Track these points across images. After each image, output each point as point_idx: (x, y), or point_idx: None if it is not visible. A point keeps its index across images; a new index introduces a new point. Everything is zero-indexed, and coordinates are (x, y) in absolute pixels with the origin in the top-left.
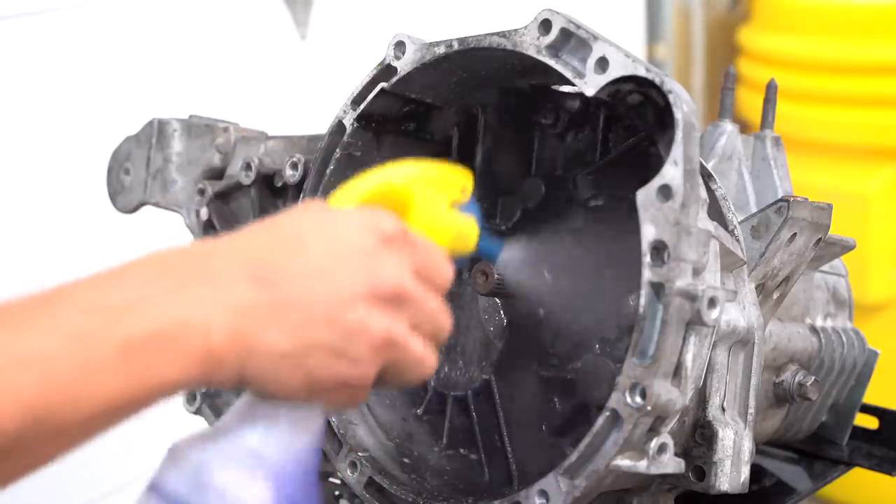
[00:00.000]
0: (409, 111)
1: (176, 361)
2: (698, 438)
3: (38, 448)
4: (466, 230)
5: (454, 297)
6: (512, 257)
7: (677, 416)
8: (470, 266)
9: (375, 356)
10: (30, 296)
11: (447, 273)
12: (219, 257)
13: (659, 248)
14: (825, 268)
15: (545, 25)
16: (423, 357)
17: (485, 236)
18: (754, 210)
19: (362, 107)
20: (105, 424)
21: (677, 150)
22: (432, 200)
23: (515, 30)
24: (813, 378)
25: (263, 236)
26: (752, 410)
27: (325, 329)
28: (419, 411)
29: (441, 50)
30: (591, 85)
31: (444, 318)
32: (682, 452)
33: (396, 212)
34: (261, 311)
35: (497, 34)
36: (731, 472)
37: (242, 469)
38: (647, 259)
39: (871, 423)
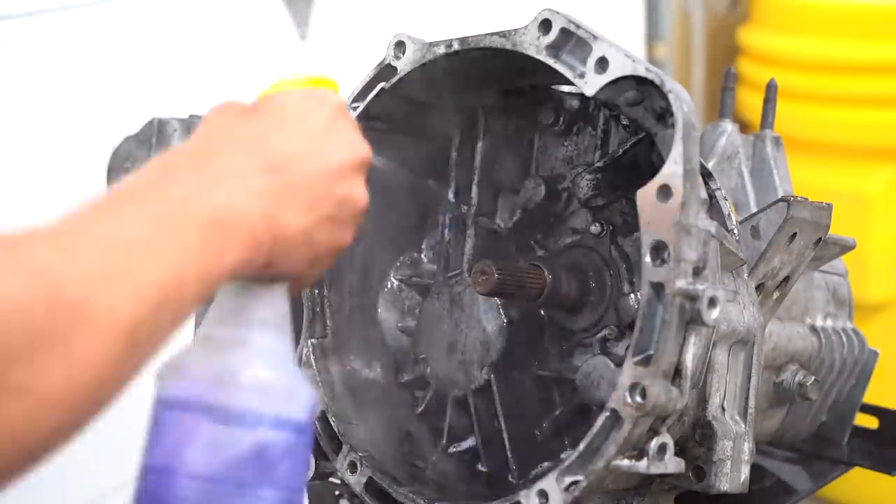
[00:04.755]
0: (410, 111)
1: (234, 245)
2: (698, 438)
3: (156, 331)
4: None
5: (455, 297)
6: None
7: (677, 416)
8: (470, 267)
9: (355, 219)
10: (100, 198)
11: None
12: (230, 151)
13: (659, 248)
14: (825, 267)
15: (545, 25)
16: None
17: None
18: (754, 210)
19: (362, 106)
20: (190, 308)
21: (677, 150)
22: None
23: (515, 30)
24: (813, 378)
25: (257, 123)
26: (752, 410)
27: (326, 203)
28: (419, 411)
29: (441, 50)
30: (591, 85)
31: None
32: (682, 452)
33: None
34: (279, 196)
35: (497, 34)
36: (731, 472)
37: (265, 365)
38: (646, 259)
39: (871, 422)
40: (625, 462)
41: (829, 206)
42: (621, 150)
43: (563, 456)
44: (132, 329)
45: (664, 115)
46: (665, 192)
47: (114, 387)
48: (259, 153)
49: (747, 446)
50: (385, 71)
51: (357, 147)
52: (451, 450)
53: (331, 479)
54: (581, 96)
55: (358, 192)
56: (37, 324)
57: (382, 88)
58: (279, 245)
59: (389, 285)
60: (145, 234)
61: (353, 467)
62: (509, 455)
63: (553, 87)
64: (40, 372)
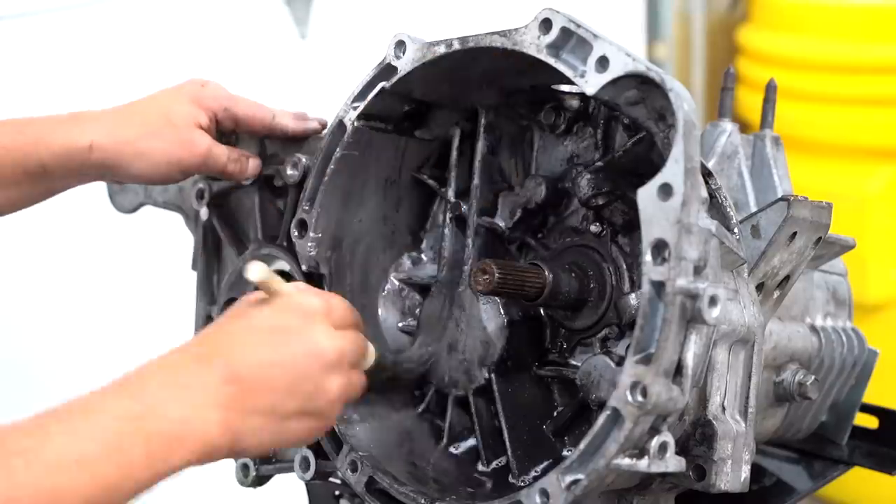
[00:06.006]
0: (410, 111)
1: (184, 454)
2: (698, 437)
3: None
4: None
5: (455, 297)
6: None
7: (678, 415)
8: (470, 266)
9: (335, 406)
10: (69, 403)
11: (353, 315)
12: (196, 367)
13: (660, 247)
14: (825, 267)
15: (546, 24)
16: (363, 382)
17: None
18: (754, 209)
19: (363, 106)
20: None
21: (678, 149)
22: None
23: (516, 29)
24: (813, 377)
25: (226, 337)
26: (752, 409)
27: (290, 400)
28: (419, 411)
29: (441, 49)
30: (591, 84)
31: (366, 348)
32: (683, 451)
33: None
34: (239, 403)
35: (497, 33)
36: (731, 472)
37: None
38: (647, 257)
39: (870, 422)
40: (626, 461)
41: (829, 206)
42: (621, 150)
43: (563, 455)
44: None
45: (664, 114)
46: (666, 190)
47: None
48: (223, 365)
49: (748, 446)
50: (385, 70)
51: (324, 348)
52: (452, 449)
53: (331, 479)
54: (581, 96)
55: (331, 385)
56: None
57: (383, 88)
58: (240, 443)
59: (390, 285)
60: (90, 452)
61: (353, 467)
62: (510, 455)
63: (553, 86)
64: None
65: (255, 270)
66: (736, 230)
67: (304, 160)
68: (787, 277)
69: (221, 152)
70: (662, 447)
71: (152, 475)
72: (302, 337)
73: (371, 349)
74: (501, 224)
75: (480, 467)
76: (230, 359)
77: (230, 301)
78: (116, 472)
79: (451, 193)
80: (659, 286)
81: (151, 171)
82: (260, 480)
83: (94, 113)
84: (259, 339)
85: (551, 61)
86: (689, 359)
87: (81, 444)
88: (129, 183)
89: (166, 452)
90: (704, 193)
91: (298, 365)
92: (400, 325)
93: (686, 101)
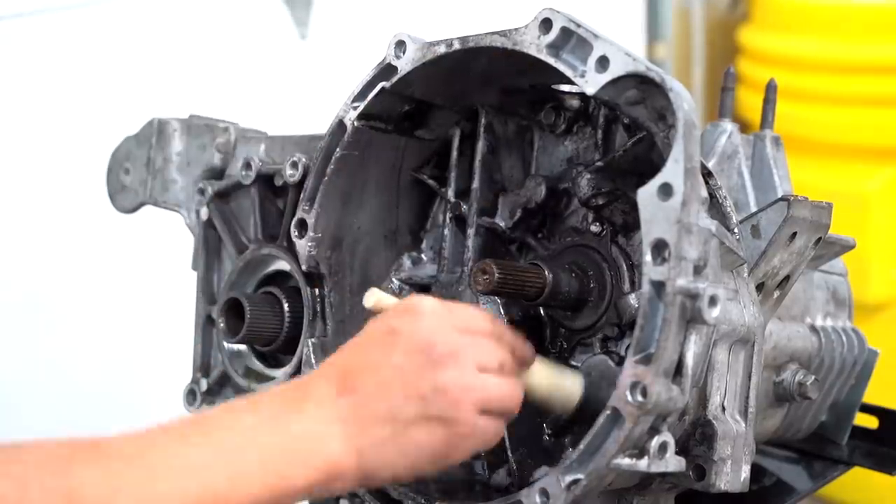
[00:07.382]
0: (410, 111)
1: (305, 472)
2: (698, 437)
3: None
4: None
5: (455, 297)
6: None
7: (678, 415)
8: (471, 266)
9: (461, 408)
10: (180, 418)
11: (485, 322)
12: (314, 382)
13: (660, 247)
14: (825, 267)
15: (546, 24)
16: (505, 389)
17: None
18: (754, 209)
19: (363, 106)
20: None
21: (678, 149)
22: None
23: (516, 29)
24: (813, 377)
25: (339, 354)
26: (752, 409)
27: (408, 404)
28: None
29: (441, 49)
30: (591, 84)
31: (501, 357)
32: (683, 451)
33: None
34: (357, 414)
35: (497, 33)
36: (731, 472)
37: None
38: (647, 257)
39: (870, 422)
40: (626, 461)
41: (829, 206)
42: (621, 150)
43: (563, 455)
44: None
45: (665, 114)
46: (666, 190)
47: None
48: (338, 377)
49: (748, 446)
50: (385, 70)
51: (430, 341)
52: None
53: None
54: (581, 96)
55: (445, 384)
56: None
57: (383, 88)
58: (367, 463)
59: (390, 285)
60: (198, 459)
61: None
62: (509, 454)
63: (553, 86)
64: None
65: (369, 297)
66: (736, 230)
67: (303, 160)
68: (787, 277)
69: None
70: (662, 447)
71: (269, 491)
72: (406, 335)
73: (568, 384)
74: (501, 224)
75: (480, 467)
76: (343, 368)
77: (230, 301)
78: (227, 483)
79: (451, 193)
80: (659, 286)
81: None
82: None
83: None
84: (367, 346)
85: (551, 61)
86: (689, 359)
87: (189, 448)
88: None
89: (283, 467)
90: (704, 193)
91: (407, 363)
92: None
93: (686, 101)
